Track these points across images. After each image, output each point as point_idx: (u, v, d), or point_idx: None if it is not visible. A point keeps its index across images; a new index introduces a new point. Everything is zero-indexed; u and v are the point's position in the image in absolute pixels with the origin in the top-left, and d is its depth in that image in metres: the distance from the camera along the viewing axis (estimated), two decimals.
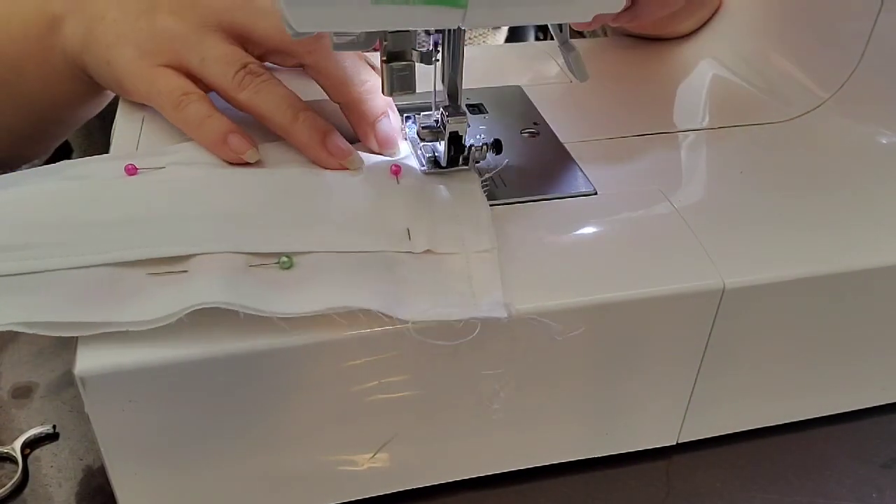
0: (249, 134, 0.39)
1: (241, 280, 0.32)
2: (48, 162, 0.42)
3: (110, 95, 0.50)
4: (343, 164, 0.39)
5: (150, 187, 0.37)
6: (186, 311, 0.30)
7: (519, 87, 0.50)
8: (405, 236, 0.36)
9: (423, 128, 0.41)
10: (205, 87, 0.41)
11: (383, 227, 0.36)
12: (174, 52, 0.41)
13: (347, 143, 0.40)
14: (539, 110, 0.48)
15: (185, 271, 0.32)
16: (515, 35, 0.87)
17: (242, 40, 0.41)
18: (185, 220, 0.35)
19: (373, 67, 0.43)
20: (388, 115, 0.41)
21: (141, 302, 0.31)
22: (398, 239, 0.36)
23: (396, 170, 0.39)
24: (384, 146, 0.41)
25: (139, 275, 0.32)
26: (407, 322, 0.32)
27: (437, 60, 0.38)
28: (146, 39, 0.41)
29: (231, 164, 0.39)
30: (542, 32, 1.05)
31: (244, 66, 0.40)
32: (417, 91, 0.37)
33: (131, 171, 0.37)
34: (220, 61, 0.40)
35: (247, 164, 0.39)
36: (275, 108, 0.39)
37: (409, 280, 0.34)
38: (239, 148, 0.38)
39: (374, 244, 0.35)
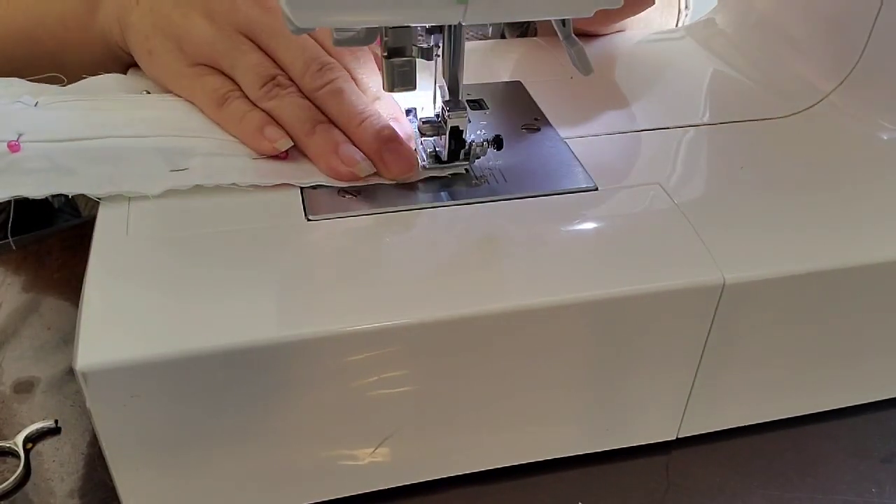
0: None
1: (253, 166, 0.40)
2: None
3: None
4: (354, 172, 0.40)
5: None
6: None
7: (519, 82, 0.50)
8: None
9: (423, 122, 0.41)
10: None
11: None
12: (206, 55, 0.43)
13: (358, 152, 0.41)
14: (539, 105, 0.48)
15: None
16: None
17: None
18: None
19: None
20: (391, 145, 0.41)
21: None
22: None
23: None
24: (391, 172, 0.41)
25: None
26: None
27: (438, 56, 0.38)
28: (182, 37, 0.43)
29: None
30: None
31: (273, 78, 0.42)
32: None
33: None
34: (250, 70, 0.42)
35: None
36: (295, 119, 0.41)
37: None
38: (273, 136, 0.40)
39: None
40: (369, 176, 0.40)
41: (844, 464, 0.42)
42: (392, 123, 0.42)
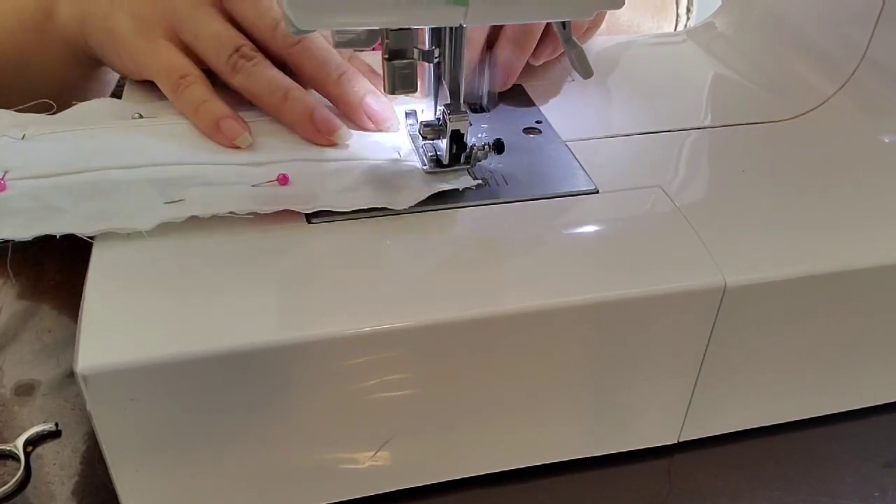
0: (243, 118, 0.40)
1: (252, 193, 0.38)
2: None
3: (113, 74, 0.51)
4: (331, 139, 0.40)
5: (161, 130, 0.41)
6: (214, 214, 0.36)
7: (520, 85, 0.50)
8: (397, 155, 0.41)
9: (424, 126, 0.41)
10: (200, 61, 0.42)
11: (377, 149, 0.42)
12: (168, 23, 0.41)
13: (336, 118, 0.40)
14: (541, 108, 0.48)
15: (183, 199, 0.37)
16: None
17: (231, 23, 0.42)
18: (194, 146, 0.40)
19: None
20: (371, 95, 0.42)
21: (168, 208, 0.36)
22: (388, 153, 0.41)
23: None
24: (377, 122, 0.42)
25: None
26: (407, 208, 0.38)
27: (438, 59, 0.38)
28: (139, 5, 0.42)
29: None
30: None
31: (237, 50, 0.41)
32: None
33: None
34: (213, 41, 0.41)
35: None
36: (265, 90, 0.40)
37: (396, 178, 0.39)
38: (230, 133, 0.39)
39: (373, 155, 0.41)
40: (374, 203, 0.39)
41: (847, 467, 0.41)
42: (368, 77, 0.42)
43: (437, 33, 0.38)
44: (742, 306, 0.37)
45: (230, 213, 0.36)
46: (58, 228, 0.35)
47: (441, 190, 0.39)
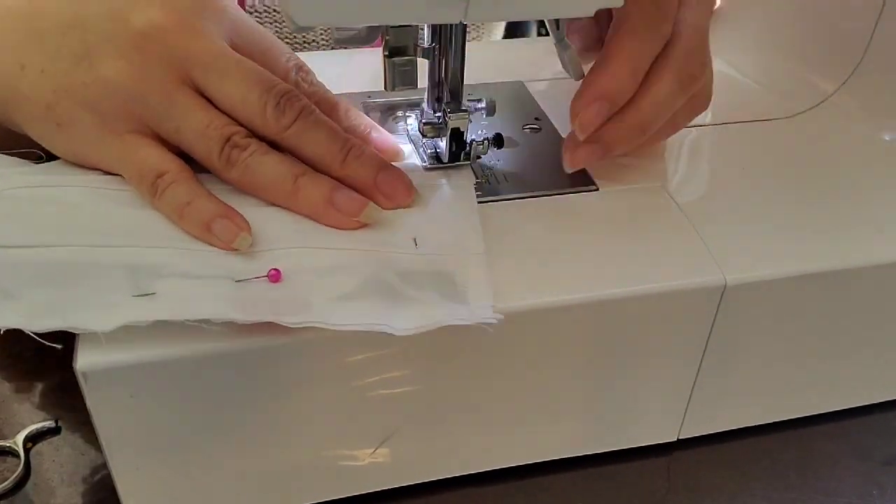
0: (239, 213, 0.35)
1: (234, 294, 0.32)
2: None
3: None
4: (359, 221, 0.35)
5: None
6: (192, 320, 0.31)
7: (521, 82, 0.50)
8: (411, 244, 0.35)
9: (424, 124, 0.41)
10: (179, 150, 0.36)
11: (390, 235, 0.36)
12: (138, 116, 0.35)
13: (358, 196, 0.36)
14: (541, 106, 0.47)
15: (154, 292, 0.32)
16: (513, 32, 0.87)
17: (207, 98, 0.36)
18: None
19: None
20: (384, 171, 0.37)
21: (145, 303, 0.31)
22: (403, 246, 0.35)
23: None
24: (395, 201, 0.37)
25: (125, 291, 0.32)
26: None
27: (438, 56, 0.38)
28: (97, 97, 0.35)
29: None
30: (544, 28, 1.05)
31: (228, 140, 0.35)
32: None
33: None
34: (200, 136, 0.35)
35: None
36: (269, 182, 0.35)
37: (403, 286, 0.34)
38: (225, 236, 0.34)
39: (385, 244, 0.35)
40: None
41: (846, 466, 0.42)
42: (372, 134, 0.40)
43: (437, 30, 0.38)
44: (742, 304, 0.37)
45: (203, 321, 0.31)
46: (1, 320, 0.30)
47: (453, 323, 0.32)
